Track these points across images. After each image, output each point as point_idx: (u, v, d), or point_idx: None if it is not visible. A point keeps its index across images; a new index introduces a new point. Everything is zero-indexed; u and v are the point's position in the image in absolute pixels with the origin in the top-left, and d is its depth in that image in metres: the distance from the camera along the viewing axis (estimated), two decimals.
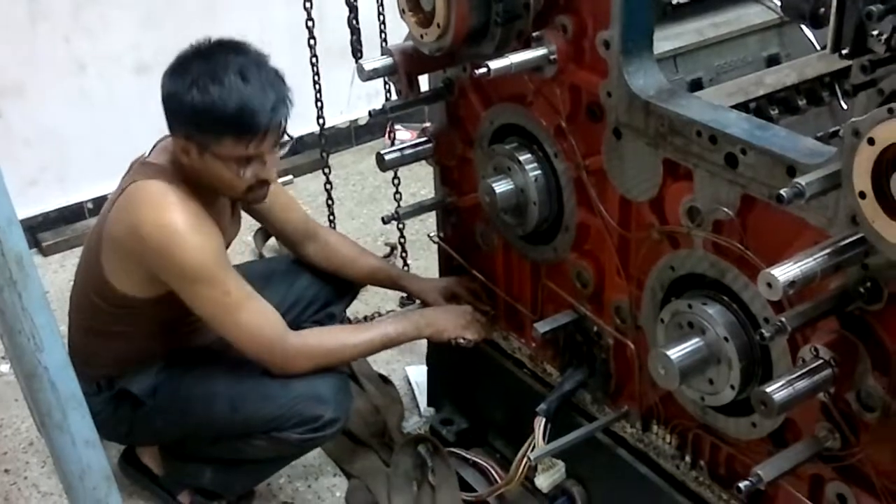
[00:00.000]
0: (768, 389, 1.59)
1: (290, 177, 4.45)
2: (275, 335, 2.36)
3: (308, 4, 2.99)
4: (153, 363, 2.51)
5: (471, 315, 2.55)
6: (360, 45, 3.04)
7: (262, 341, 2.35)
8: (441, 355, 2.77)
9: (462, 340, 2.51)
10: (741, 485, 1.71)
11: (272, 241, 3.95)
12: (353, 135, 4.73)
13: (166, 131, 2.29)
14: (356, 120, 4.69)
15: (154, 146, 2.41)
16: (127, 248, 2.29)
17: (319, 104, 3.20)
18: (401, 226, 3.34)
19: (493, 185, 2.21)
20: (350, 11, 2.96)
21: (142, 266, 2.30)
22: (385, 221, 2.68)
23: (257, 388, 2.47)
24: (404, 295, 3.49)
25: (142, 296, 2.37)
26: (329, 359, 2.45)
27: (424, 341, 2.84)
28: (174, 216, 2.24)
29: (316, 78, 3.17)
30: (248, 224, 4.09)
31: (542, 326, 2.25)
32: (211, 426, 2.51)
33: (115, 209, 2.31)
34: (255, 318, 2.34)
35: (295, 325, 2.67)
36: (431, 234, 2.75)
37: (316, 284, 2.83)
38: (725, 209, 1.75)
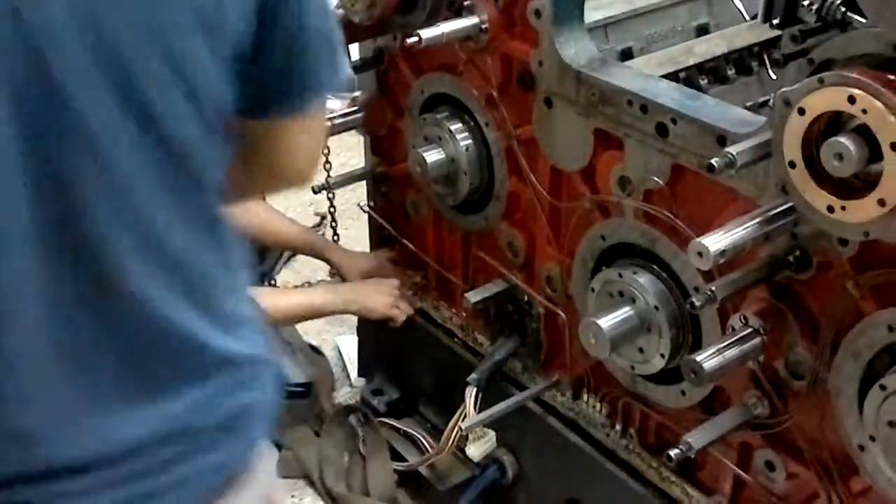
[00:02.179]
0: (698, 358, 1.58)
1: None
2: None
3: None
4: None
5: (399, 291, 2.51)
6: None
7: None
8: (372, 326, 2.73)
9: (390, 323, 2.48)
10: (671, 453, 1.70)
11: None
12: None
13: None
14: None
15: None
16: None
17: None
18: (331, 195, 3.28)
19: (424, 154, 2.17)
20: None
21: None
22: (315, 191, 2.63)
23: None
24: None
25: None
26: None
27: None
28: None
29: None
30: None
31: (473, 296, 2.23)
32: None
33: None
34: None
35: None
36: (362, 204, 2.71)
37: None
38: (656, 178, 1.74)
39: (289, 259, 3.11)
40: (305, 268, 3.43)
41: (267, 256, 2.84)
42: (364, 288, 2.55)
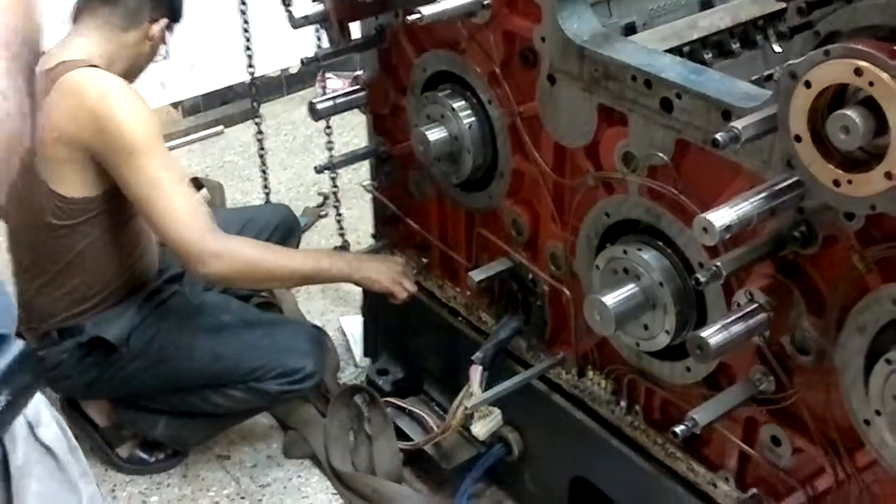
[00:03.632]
0: (704, 334, 1.57)
1: (221, 127, 4.35)
2: (200, 224, 2.26)
3: None
4: (112, 302, 2.43)
5: (403, 268, 2.51)
6: None
7: (187, 227, 2.23)
8: (376, 305, 2.73)
9: (391, 298, 2.48)
10: (677, 429, 1.70)
11: (204, 191, 3.87)
12: (284, 84, 4.63)
13: None
14: (287, 68, 4.59)
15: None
16: (70, 133, 2.20)
17: (249, 52, 3.11)
18: (334, 175, 3.28)
19: (427, 133, 2.16)
20: None
21: (87, 151, 2.21)
22: (318, 171, 2.62)
23: (239, 339, 2.47)
24: (338, 244, 3.44)
25: (89, 194, 2.28)
26: (251, 271, 2.34)
27: (359, 291, 2.81)
28: (117, 84, 2.24)
29: (245, 26, 3.08)
30: None
31: (477, 275, 2.22)
32: (188, 376, 2.47)
33: (52, 103, 2.19)
34: (185, 203, 2.25)
35: None
36: (365, 184, 2.70)
37: (261, 237, 2.76)
38: (660, 154, 1.72)
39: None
40: (310, 244, 3.44)
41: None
42: (371, 260, 2.55)
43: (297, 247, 2.96)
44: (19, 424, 1.26)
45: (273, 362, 2.45)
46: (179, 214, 2.24)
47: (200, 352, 2.45)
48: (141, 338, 2.43)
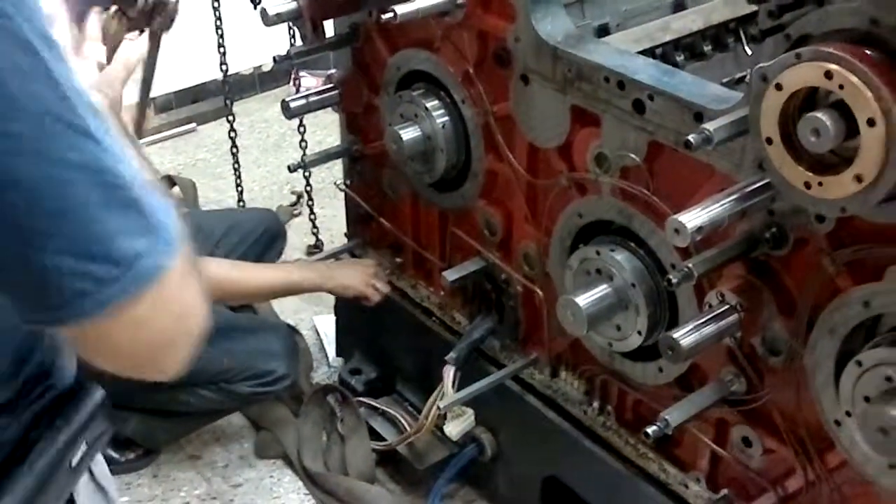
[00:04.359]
0: (675, 335, 1.58)
1: (194, 125, 4.32)
2: None
3: None
4: None
5: (374, 269, 2.51)
6: None
7: None
8: (349, 305, 2.72)
9: (364, 301, 2.49)
10: (649, 430, 1.71)
11: (176, 189, 3.85)
12: (257, 81, 4.60)
13: None
14: (261, 66, 4.57)
15: None
16: None
17: (222, 50, 3.09)
18: (307, 174, 3.27)
19: (400, 132, 2.15)
20: None
21: None
22: (291, 170, 2.60)
23: (209, 340, 2.41)
24: (311, 243, 3.43)
25: None
26: (221, 290, 2.32)
27: None
28: None
29: (218, 23, 3.06)
30: None
31: (450, 275, 2.22)
32: None
33: None
34: None
35: None
36: (338, 183, 2.69)
37: (240, 245, 2.74)
38: (633, 155, 1.73)
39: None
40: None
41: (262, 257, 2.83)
42: (340, 266, 2.55)
43: (280, 252, 2.94)
44: None
45: (244, 364, 2.44)
46: None
47: None
48: None
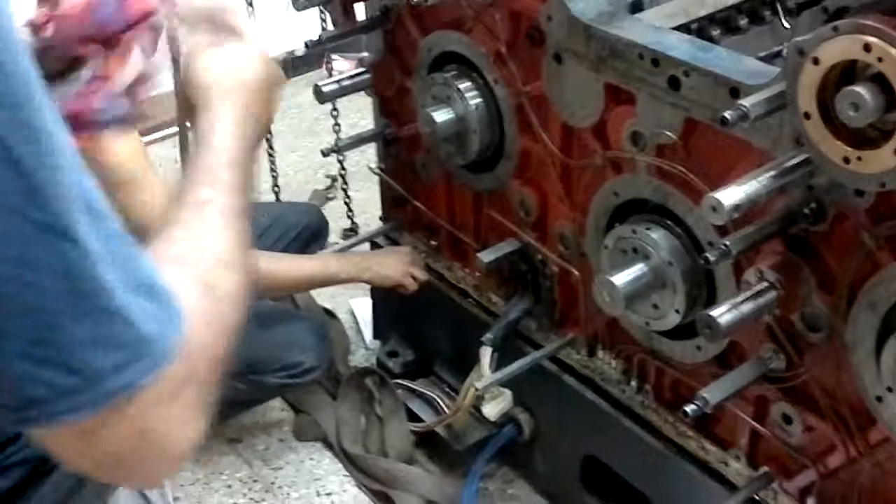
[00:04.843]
0: (713, 313, 1.57)
1: None
2: None
3: None
4: None
5: (412, 257, 2.52)
6: None
7: None
8: (386, 288, 2.73)
9: (401, 289, 2.50)
10: (687, 408, 1.70)
11: None
12: (290, 66, 4.61)
13: None
14: (293, 51, 4.57)
15: None
16: None
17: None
18: (341, 157, 3.27)
19: (433, 114, 2.15)
20: None
21: None
22: (325, 154, 2.61)
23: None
24: (347, 226, 3.44)
25: None
26: (262, 284, 2.34)
27: None
28: None
29: (250, 9, 3.06)
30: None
31: (485, 256, 2.22)
32: None
33: None
34: None
35: None
36: (372, 166, 2.69)
37: (283, 239, 2.75)
38: (669, 133, 1.72)
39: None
40: None
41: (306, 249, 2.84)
42: (377, 256, 2.56)
43: (324, 247, 2.95)
44: None
45: (272, 356, 2.42)
46: None
47: None
48: None
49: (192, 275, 0.94)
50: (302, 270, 2.45)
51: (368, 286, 2.86)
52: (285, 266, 2.43)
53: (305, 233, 2.82)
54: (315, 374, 2.53)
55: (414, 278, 2.50)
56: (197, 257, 0.96)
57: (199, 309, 0.92)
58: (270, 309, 2.67)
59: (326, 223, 2.98)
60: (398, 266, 2.49)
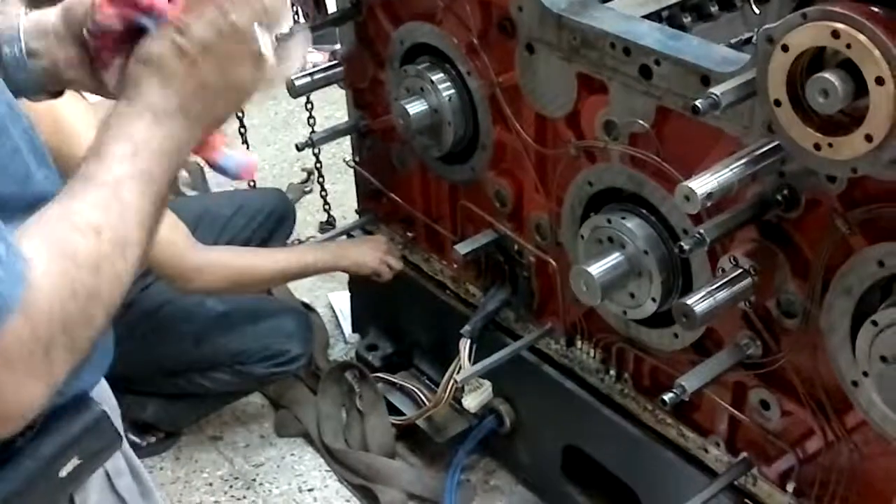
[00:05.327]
0: (689, 301, 1.58)
1: None
2: (178, 242, 2.24)
3: None
4: None
5: (387, 246, 2.53)
6: None
7: (165, 248, 2.19)
8: (364, 281, 2.73)
9: (376, 277, 2.51)
10: (665, 397, 1.71)
11: (183, 172, 3.85)
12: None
13: None
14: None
15: None
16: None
17: None
18: (316, 151, 3.26)
19: (407, 106, 2.14)
20: None
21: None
22: (299, 148, 2.60)
23: (222, 322, 2.46)
24: (324, 220, 3.43)
25: None
26: (237, 279, 2.35)
27: None
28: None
29: None
30: None
31: (462, 247, 2.22)
32: (172, 360, 2.49)
33: None
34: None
35: None
36: (347, 159, 2.69)
37: (249, 226, 2.74)
38: (641, 122, 1.72)
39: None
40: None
41: (273, 235, 2.83)
42: (353, 245, 2.56)
43: (289, 233, 2.95)
44: (96, 475, 1.26)
45: (257, 345, 2.46)
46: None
47: (183, 336, 2.44)
48: (123, 323, 2.40)
49: (49, 240, 0.93)
50: (279, 262, 2.45)
51: (346, 280, 2.86)
52: (262, 260, 2.43)
53: (271, 219, 2.81)
54: (301, 362, 2.54)
55: (389, 267, 2.51)
56: (62, 225, 0.95)
57: (50, 272, 0.91)
58: (253, 301, 2.67)
59: (292, 207, 2.97)
60: (373, 254, 2.50)
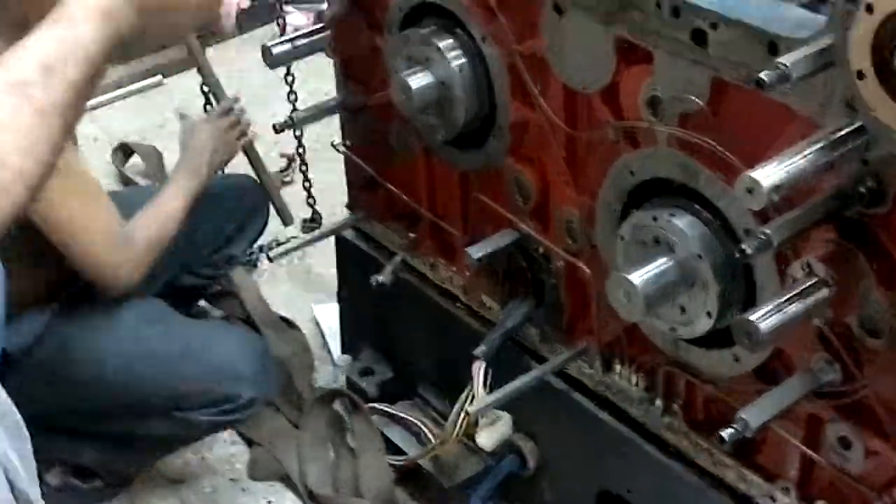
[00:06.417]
0: (753, 317, 1.58)
1: (159, 76, 4.34)
2: (113, 236, 2.33)
3: None
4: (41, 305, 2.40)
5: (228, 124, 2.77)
6: None
7: (97, 240, 2.29)
8: (355, 292, 2.74)
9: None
10: (724, 433, 1.71)
11: (136, 159, 3.87)
12: (236, 21, 4.61)
13: None
14: (236, 2, 4.57)
15: None
16: None
17: None
18: (298, 133, 3.28)
19: (409, 79, 2.15)
20: None
21: None
22: (277, 130, 2.60)
23: (158, 358, 2.42)
24: (307, 216, 3.44)
25: None
26: (159, 249, 2.43)
27: (334, 275, 2.81)
28: None
29: None
30: (108, 139, 3.99)
31: (475, 251, 2.22)
32: (98, 401, 2.43)
33: None
34: (87, 224, 2.29)
35: (185, 268, 2.77)
36: (336, 143, 2.69)
37: (214, 218, 2.76)
38: (693, 98, 1.72)
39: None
40: (271, 223, 3.43)
41: (242, 232, 2.85)
42: (196, 134, 2.76)
43: (264, 226, 2.98)
44: None
45: (200, 388, 2.41)
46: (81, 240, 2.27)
47: (111, 374, 2.39)
48: (51, 342, 2.40)
49: None
50: (172, 204, 2.51)
51: (333, 291, 2.87)
52: (159, 214, 2.48)
53: (240, 211, 2.88)
54: (253, 409, 2.50)
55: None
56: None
57: None
58: (195, 331, 2.63)
59: (266, 195, 2.98)
60: (217, 132, 2.80)
